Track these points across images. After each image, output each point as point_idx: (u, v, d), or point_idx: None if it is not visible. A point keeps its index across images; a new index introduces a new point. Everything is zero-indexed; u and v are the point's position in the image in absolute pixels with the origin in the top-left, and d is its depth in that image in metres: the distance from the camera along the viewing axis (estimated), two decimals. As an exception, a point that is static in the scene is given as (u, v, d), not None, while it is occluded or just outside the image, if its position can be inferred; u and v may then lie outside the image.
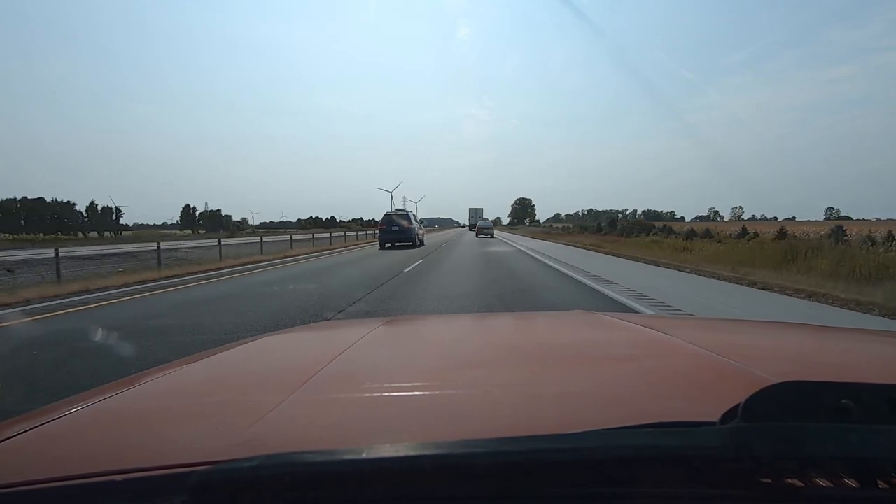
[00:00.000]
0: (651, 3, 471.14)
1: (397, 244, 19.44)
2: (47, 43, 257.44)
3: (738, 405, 0.37)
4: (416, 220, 21.83)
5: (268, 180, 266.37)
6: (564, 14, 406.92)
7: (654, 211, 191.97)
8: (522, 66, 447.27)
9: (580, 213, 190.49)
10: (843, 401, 0.36)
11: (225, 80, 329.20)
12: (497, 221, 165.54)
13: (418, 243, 20.00)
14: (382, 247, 19.30)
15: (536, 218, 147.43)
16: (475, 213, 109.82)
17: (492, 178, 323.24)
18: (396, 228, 19.55)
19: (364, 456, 0.36)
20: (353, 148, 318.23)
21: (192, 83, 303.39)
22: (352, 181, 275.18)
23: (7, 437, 0.52)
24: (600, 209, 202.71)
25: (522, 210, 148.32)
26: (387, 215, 20.68)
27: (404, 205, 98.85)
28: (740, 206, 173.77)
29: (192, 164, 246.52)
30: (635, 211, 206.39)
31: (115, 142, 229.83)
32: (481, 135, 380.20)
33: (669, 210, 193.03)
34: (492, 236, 32.50)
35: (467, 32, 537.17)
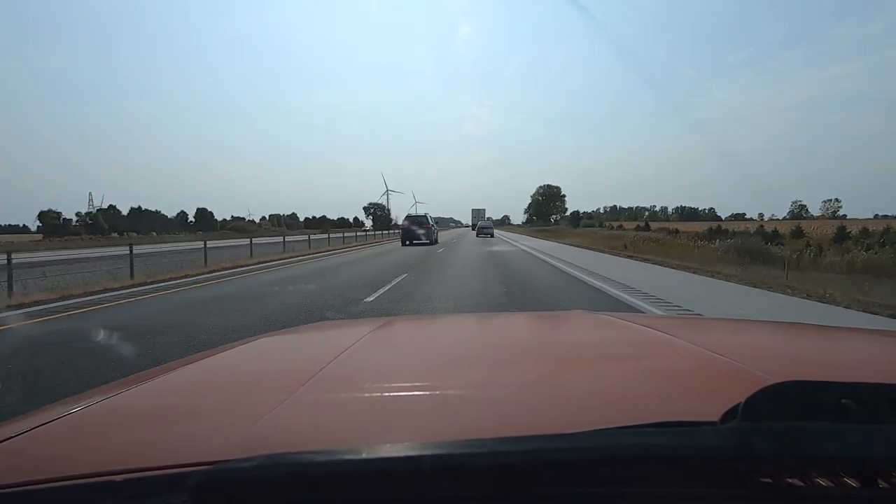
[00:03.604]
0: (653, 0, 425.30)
1: (415, 242, 22.32)
2: (43, 37, 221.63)
3: (738, 405, 0.37)
4: (431, 220, 24.88)
5: (267, 179, 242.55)
6: (566, 12, 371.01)
7: (691, 208, 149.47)
8: (524, 64, 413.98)
9: (601, 211, 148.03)
10: (844, 400, 0.36)
11: (221, 79, 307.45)
12: (504, 221, 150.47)
13: (434, 241, 23.43)
14: (403, 244, 22.37)
15: (569, 213, 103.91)
16: (478, 213, 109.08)
17: (493, 178, 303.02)
18: (416, 229, 22.77)
19: (364, 456, 0.35)
20: (353, 147, 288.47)
21: (187, 82, 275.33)
22: (352, 181, 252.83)
23: (7, 437, 0.51)
24: (623, 206, 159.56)
25: (547, 202, 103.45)
26: (408, 217, 24.97)
27: (387, 201, 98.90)
28: (836, 200, 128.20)
29: (187, 163, 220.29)
30: (665, 208, 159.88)
31: (109, 139, 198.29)
32: (483, 134, 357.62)
33: (707, 206, 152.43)
34: (491, 235, 35.79)
35: (468, 31, 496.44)
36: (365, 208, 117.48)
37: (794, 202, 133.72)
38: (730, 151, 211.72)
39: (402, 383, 0.68)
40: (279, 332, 1.31)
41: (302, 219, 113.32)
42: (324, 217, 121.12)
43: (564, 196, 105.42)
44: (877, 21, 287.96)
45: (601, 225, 61.55)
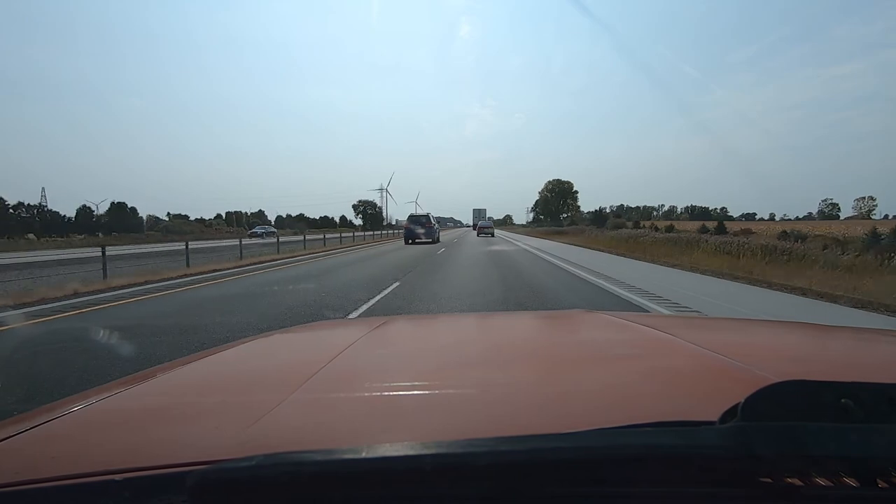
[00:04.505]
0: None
1: (417, 241, 22.55)
2: (41, 34, 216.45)
3: (738, 404, 0.37)
4: (433, 220, 24.88)
5: (266, 180, 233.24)
6: (567, 11, 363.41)
7: (702, 207, 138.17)
8: (525, 65, 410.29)
9: (608, 210, 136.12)
10: (844, 400, 0.36)
11: (222, 77, 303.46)
12: (506, 221, 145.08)
13: (436, 240, 23.66)
14: (406, 242, 22.55)
15: (581, 211, 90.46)
16: (479, 213, 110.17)
17: (495, 178, 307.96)
18: (418, 228, 22.87)
19: (363, 455, 0.35)
20: (351, 146, 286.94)
21: (188, 80, 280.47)
22: (353, 181, 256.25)
23: (7, 436, 0.51)
24: (630, 205, 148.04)
25: (557, 199, 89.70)
26: (411, 217, 24.25)
27: (385, 200, 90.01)
28: (870, 197, 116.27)
29: (186, 162, 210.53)
30: (675, 207, 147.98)
31: (106, 137, 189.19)
32: (484, 134, 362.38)
33: (720, 206, 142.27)
34: (492, 235, 35.77)
35: (469, 31, 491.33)
36: (354, 206, 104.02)
37: (823, 200, 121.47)
38: (733, 150, 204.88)
39: (401, 383, 0.68)
40: (278, 331, 1.29)
41: (273, 217, 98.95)
42: (301, 215, 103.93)
43: (577, 192, 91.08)
44: (878, 22, 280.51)
45: (638, 226, 48.45)
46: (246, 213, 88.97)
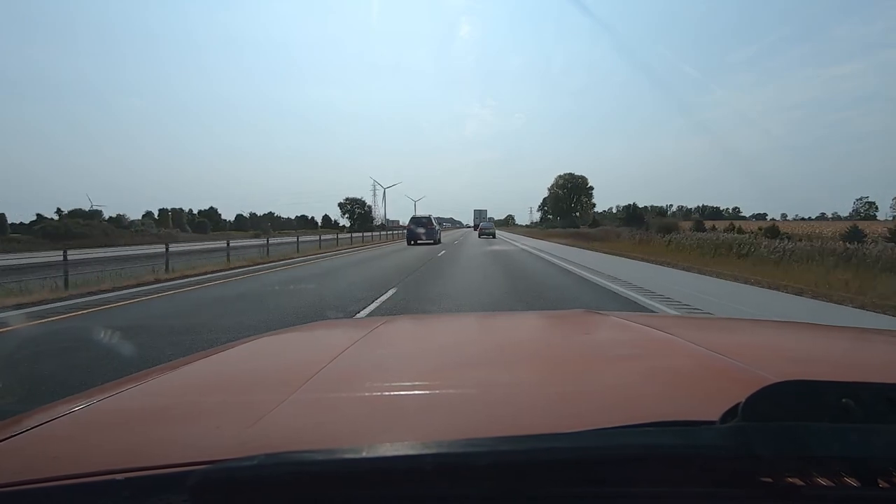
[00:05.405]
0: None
1: (419, 242, 23.39)
2: (41, 34, 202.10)
3: (738, 404, 0.37)
4: (435, 222, 26.09)
5: (265, 180, 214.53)
6: (567, 11, 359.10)
7: (713, 207, 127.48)
8: (525, 64, 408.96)
9: (614, 210, 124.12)
10: (844, 400, 0.36)
11: (222, 77, 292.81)
12: (508, 221, 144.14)
13: (438, 241, 24.39)
14: (409, 243, 23.47)
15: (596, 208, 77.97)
16: (479, 214, 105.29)
17: (495, 178, 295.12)
18: (420, 230, 23.96)
19: (364, 455, 0.35)
20: (354, 147, 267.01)
21: (188, 80, 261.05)
22: (353, 180, 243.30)
23: (7, 436, 0.51)
24: (640, 205, 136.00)
25: (569, 196, 76.58)
26: (413, 219, 25.77)
27: (379, 199, 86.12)
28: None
29: (184, 162, 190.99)
30: (683, 207, 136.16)
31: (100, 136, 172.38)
32: (484, 134, 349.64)
33: (731, 206, 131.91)
34: (493, 236, 34.72)
35: (469, 31, 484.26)
36: (341, 204, 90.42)
37: (857, 199, 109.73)
38: (734, 150, 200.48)
39: (402, 382, 0.68)
40: (279, 331, 1.28)
41: (233, 216, 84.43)
42: (270, 214, 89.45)
43: (592, 189, 77.94)
44: (878, 22, 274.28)
45: (701, 228, 34.20)
46: (190, 210, 73.80)
